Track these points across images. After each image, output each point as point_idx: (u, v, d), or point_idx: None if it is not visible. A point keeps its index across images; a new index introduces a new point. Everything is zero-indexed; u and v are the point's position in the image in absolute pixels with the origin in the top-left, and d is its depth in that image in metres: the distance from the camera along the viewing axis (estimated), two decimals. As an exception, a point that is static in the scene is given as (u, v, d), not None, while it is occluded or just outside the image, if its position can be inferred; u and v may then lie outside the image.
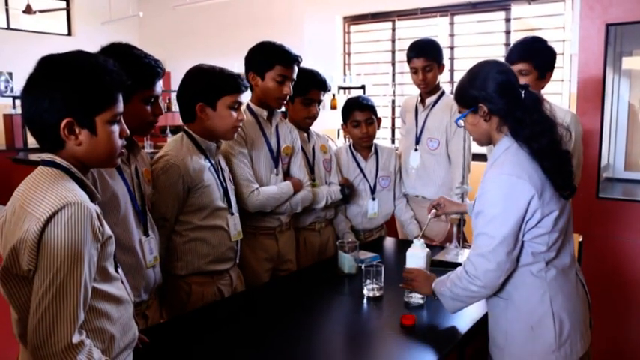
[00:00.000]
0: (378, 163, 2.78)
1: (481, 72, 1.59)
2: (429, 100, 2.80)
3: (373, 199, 2.75)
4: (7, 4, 7.41)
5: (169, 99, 7.18)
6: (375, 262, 2.10)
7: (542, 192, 1.50)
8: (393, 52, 6.19)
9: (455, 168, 2.74)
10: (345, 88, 6.17)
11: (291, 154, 2.46)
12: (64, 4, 8.06)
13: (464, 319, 1.77)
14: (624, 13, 2.50)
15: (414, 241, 1.98)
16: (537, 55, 2.29)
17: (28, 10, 6.83)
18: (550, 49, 2.34)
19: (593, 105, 2.61)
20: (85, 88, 1.17)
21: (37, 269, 1.10)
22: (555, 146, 1.54)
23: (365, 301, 1.97)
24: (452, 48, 5.67)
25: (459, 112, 1.67)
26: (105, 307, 1.23)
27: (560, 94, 4.92)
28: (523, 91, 1.57)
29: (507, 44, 5.25)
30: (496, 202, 1.52)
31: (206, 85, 1.98)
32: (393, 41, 6.17)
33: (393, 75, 6.19)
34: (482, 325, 1.75)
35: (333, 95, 5.92)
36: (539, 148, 1.52)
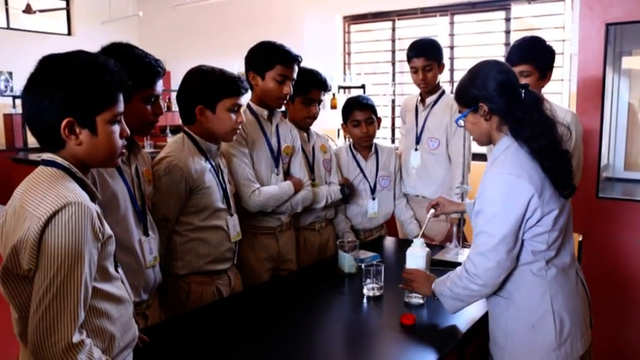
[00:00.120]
0: (378, 163, 2.78)
1: (481, 71, 1.60)
2: (429, 99, 2.80)
3: (373, 198, 2.75)
4: (6, 3, 7.40)
5: (169, 98, 7.18)
6: (374, 262, 2.10)
7: (542, 191, 1.51)
8: (393, 52, 6.19)
9: (455, 167, 2.74)
10: (345, 88, 6.17)
11: (291, 154, 2.46)
12: (63, 4, 8.06)
13: (464, 319, 1.77)
14: (624, 13, 2.50)
15: (414, 240, 1.98)
16: (537, 55, 2.29)
17: (28, 10, 6.83)
18: (549, 49, 2.35)
19: (593, 104, 2.61)
20: (86, 88, 1.17)
21: (38, 269, 1.10)
22: (555, 146, 1.55)
23: (365, 300, 1.97)
24: (452, 47, 5.66)
25: (459, 111, 1.67)
26: (105, 307, 1.23)
27: (560, 94, 4.92)
28: (523, 91, 1.57)
29: (507, 44, 5.25)
30: (496, 200, 1.52)
31: (206, 87, 1.98)
32: (393, 41, 6.17)
33: (393, 75, 6.19)
34: (482, 324, 1.75)
35: (333, 95, 5.91)
36: (539, 148, 1.52)
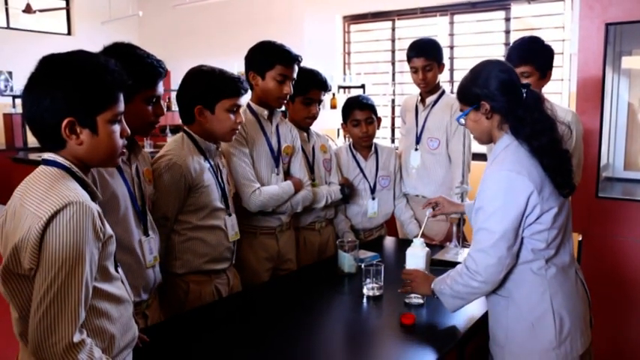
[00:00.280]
0: (377, 163, 2.78)
1: (484, 70, 1.61)
2: (429, 99, 2.80)
3: (373, 198, 2.75)
4: (6, 3, 7.40)
5: (169, 98, 7.18)
6: (374, 262, 2.11)
7: (542, 188, 1.52)
8: (393, 52, 6.19)
9: (455, 167, 2.74)
10: (344, 88, 6.17)
11: (291, 154, 2.46)
12: (63, 4, 8.06)
13: (464, 318, 1.77)
14: (624, 13, 2.50)
15: (414, 240, 1.98)
16: (537, 56, 2.29)
17: (28, 10, 6.83)
18: (548, 48, 2.35)
19: (593, 104, 2.61)
20: (86, 88, 1.18)
21: (39, 268, 1.10)
22: (555, 145, 1.56)
23: (365, 300, 1.97)
24: (451, 47, 5.66)
25: (461, 110, 1.68)
26: (105, 307, 1.23)
27: (559, 94, 4.92)
28: (525, 91, 1.58)
29: (507, 44, 5.25)
30: (496, 197, 1.53)
31: (205, 87, 1.98)
32: (393, 41, 6.17)
33: (393, 74, 6.19)
34: (482, 323, 1.75)
35: (333, 95, 5.91)
36: (539, 146, 1.53)
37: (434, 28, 5.80)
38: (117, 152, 1.27)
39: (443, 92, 2.81)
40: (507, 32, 5.34)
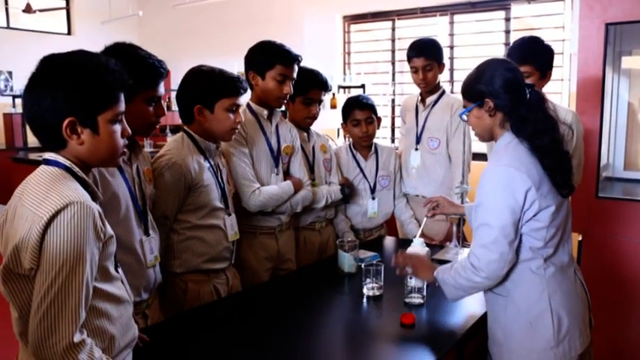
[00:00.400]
0: (377, 163, 2.78)
1: (489, 68, 1.62)
2: (430, 99, 2.80)
3: (373, 198, 2.75)
4: (6, 3, 7.40)
5: (169, 98, 7.17)
6: (374, 262, 2.10)
7: (540, 185, 1.53)
8: (393, 52, 6.19)
9: (455, 167, 2.74)
10: (344, 88, 6.17)
11: (291, 154, 2.46)
12: (63, 3, 8.06)
13: (463, 318, 1.77)
14: (624, 13, 2.50)
15: (414, 240, 1.98)
16: (537, 56, 2.29)
17: (28, 9, 6.83)
18: (548, 48, 2.35)
19: (593, 104, 2.61)
20: (87, 87, 1.17)
21: (39, 268, 1.10)
22: (556, 145, 1.57)
23: (365, 300, 1.97)
24: (451, 47, 5.66)
25: (464, 106, 1.69)
26: (105, 307, 1.23)
27: (559, 94, 4.92)
28: (529, 90, 1.60)
29: (507, 43, 5.24)
30: (494, 192, 1.55)
31: (204, 87, 1.98)
32: (393, 40, 6.17)
33: (393, 74, 6.19)
34: (481, 323, 1.75)
35: (333, 94, 5.92)
36: (540, 145, 1.55)
37: (434, 28, 5.80)
38: (118, 152, 1.27)
39: (443, 92, 2.81)
40: (507, 32, 5.34)
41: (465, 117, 1.69)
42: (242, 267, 2.28)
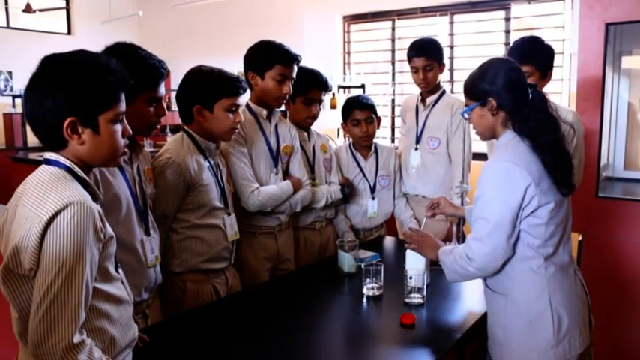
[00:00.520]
0: (377, 163, 2.78)
1: (493, 67, 1.63)
2: (430, 99, 2.80)
3: (373, 198, 2.75)
4: (6, 2, 7.40)
5: (169, 98, 7.17)
6: (374, 262, 2.11)
7: (540, 181, 1.53)
8: (393, 52, 6.19)
9: (455, 167, 2.74)
10: (344, 87, 6.17)
11: (290, 154, 2.46)
12: (63, 3, 8.06)
13: (463, 318, 1.78)
14: (624, 13, 2.50)
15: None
16: (537, 56, 2.29)
17: (28, 9, 6.83)
18: (548, 48, 2.35)
19: (593, 104, 2.61)
20: (88, 88, 1.17)
21: (39, 268, 1.10)
22: (558, 144, 1.58)
23: (364, 300, 1.97)
24: (452, 47, 5.66)
25: (466, 104, 1.70)
26: (105, 307, 1.23)
27: (559, 94, 4.92)
28: (531, 90, 1.61)
29: (507, 43, 5.25)
30: (494, 186, 1.56)
31: (204, 87, 1.99)
32: (393, 40, 6.17)
33: (393, 74, 6.19)
34: (481, 323, 1.75)
35: (333, 94, 5.92)
36: (543, 144, 1.55)
37: (434, 28, 5.80)
38: (119, 152, 1.27)
39: (443, 92, 2.81)
40: (507, 32, 5.34)
41: (466, 115, 1.70)
42: (241, 267, 2.28)
